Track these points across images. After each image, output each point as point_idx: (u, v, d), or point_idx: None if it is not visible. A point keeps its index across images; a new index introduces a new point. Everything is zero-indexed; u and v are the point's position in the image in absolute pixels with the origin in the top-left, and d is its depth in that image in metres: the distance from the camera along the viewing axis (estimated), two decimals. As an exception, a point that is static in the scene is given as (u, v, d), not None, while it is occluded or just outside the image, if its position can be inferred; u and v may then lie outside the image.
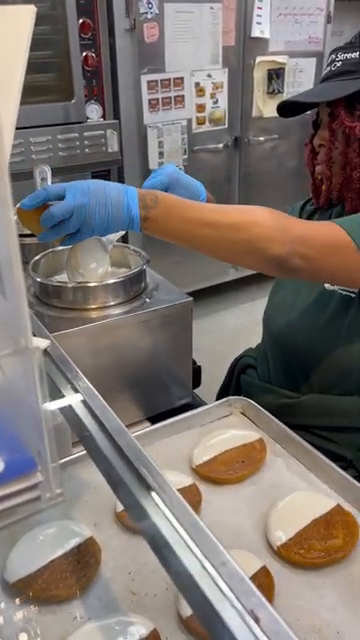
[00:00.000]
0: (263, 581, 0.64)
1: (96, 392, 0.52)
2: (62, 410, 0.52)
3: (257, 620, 0.29)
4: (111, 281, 0.95)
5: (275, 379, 1.07)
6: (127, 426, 0.47)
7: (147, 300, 0.98)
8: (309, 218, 1.08)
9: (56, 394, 0.54)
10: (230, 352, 1.27)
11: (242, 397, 0.96)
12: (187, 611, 0.60)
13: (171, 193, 0.86)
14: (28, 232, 1.12)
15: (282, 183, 3.03)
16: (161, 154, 2.57)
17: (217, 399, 1.03)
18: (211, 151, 2.75)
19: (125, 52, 2.30)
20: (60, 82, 2.14)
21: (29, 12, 0.41)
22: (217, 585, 0.30)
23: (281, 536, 0.69)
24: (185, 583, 0.32)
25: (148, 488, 0.40)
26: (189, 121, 2.61)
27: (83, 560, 0.67)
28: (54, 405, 0.52)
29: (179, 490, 0.40)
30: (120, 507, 0.74)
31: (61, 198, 0.76)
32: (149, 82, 2.41)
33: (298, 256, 0.76)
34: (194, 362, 1.09)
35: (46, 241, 0.82)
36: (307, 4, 2.75)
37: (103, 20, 2.19)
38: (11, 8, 0.39)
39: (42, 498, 0.35)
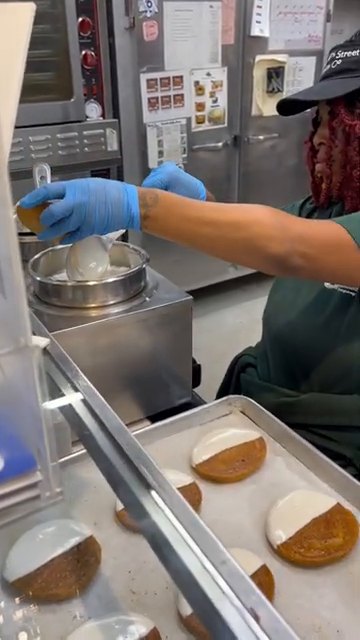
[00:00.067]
0: (263, 580, 0.64)
1: (96, 391, 0.52)
2: (62, 409, 0.52)
3: (257, 618, 0.28)
4: (111, 280, 0.95)
5: (275, 378, 1.07)
6: (127, 425, 0.47)
7: (147, 299, 0.98)
8: (309, 216, 1.08)
9: (56, 393, 0.54)
10: (230, 351, 1.27)
11: (242, 396, 0.96)
12: (187, 610, 0.60)
13: (171, 192, 0.86)
14: (28, 231, 1.12)
15: (282, 182, 3.03)
16: (160, 153, 2.57)
17: (217, 398, 1.03)
18: (210, 150, 2.75)
19: (124, 51, 2.30)
20: (59, 81, 2.14)
21: (28, 10, 0.41)
22: (217, 583, 0.30)
23: (281, 535, 0.69)
24: (185, 581, 0.32)
25: (148, 487, 0.40)
26: (188, 120, 2.61)
27: (83, 559, 0.67)
28: (54, 404, 0.52)
29: (179, 489, 0.40)
30: (120, 506, 0.74)
31: (61, 196, 0.76)
32: (148, 81, 2.41)
33: (298, 255, 0.76)
34: (194, 361, 1.09)
35: (46, 239, 0.82)
36: (307, 3, 2.75)
37: (102, 19, 2.19)
38: (10, 5, 0.39)
39: (42, 497, 0.35)
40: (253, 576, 0.64)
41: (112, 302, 0.95)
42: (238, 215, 0.77)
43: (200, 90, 2.60)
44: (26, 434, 0.34)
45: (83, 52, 2.17)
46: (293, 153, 2.99)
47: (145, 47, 2.35)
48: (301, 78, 2.88)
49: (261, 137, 2.88)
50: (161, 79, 2.45)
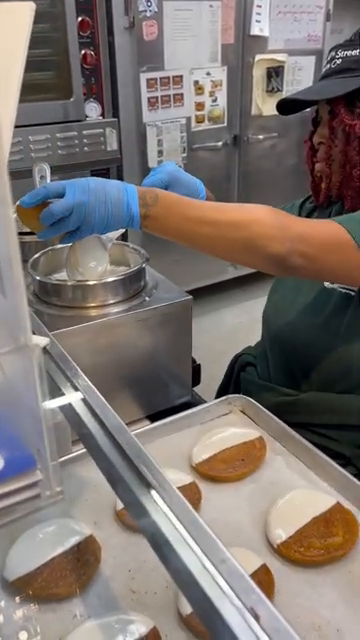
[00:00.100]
0: (263, 579, 0.64)
1: (96, 390, 0.52)
2: (62, 408, 0.52)
3: (257, 617, 0.29)
4: (110, 279, 0.95)
5: (275, 377, 1.07)
6: (127, 424, 0.47)
7: (146, 298, 0.98)
8: (308, 216, 1.08)
9: (56, 392, 0.54)
10: (229, 350, 1.27)
11: (242, 395, 0.96)
12: (187, 609, 0.60)
13: (171, 191, 0.86)
14: (28, 230, 1.12)
15: (281, 181, 3.03)
16: (160, 152, 2.57)
17: (216, 397, 1.03)
18: (210, 149, 2.74)
19: (124, 50, 2.29)
20: (59, 80, 2.14)
21: (28, 9, 0.41)
22: (217, 583, 0.30)
23: (281, 534, 0.69)
24: (185, 581, 0.32)
25: (148, 486, 0.40)
26: (188, 119, 2.61)
27: (83, 558, 0.67)
28: (54, 403, 0.52)
29: (179, 488, 0.40)
30: (120, 505, 0.74)
31: (61, 196, 0.76)
32: (148, 80, 2.41)
33: (298, 254, 0.76)
34: (194, 360, 1.09)
35: (45, 239, 0.82)
36: (306, 2, 2.75)
37: (102, 18, 2.19)
38: (10, 5, 0.39)
39: (42, 496, 0.35)
40: (253, 575, 0.64)
41: (112, 302, 0.95)
42: (238, 215, 0.77)
43: (200, 89, 2.59)
44: (26, 433, 0.34)
45: (83, 51, 2.16)
46: (293, 152, 2.99)
47: (145, 46, 2.35)
48: (300, 77, 2.88)
49: (261, 136, 2.88)
50: (161, 78, 2.45)
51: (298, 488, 0.77)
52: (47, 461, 0.34)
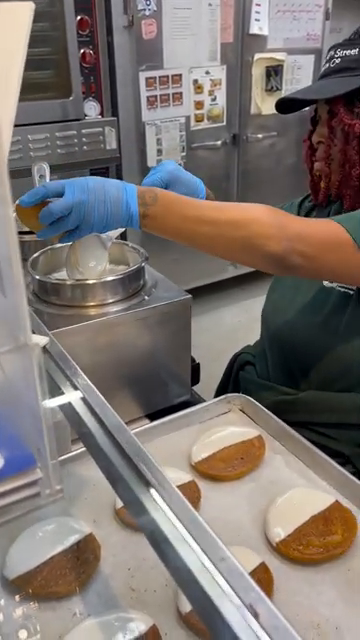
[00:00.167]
0: (262, 577, 0.64)
1: (95, 389, 0.52)
2: (61, 407, 0.52)
3: (256, 615, 0.29)
4: (110, 278, 0.95)
5: (274, 376, 1.08)
6: (126, 423, 0.47)
7: (146, 297, 0.98)
8: (307, 215, 1.08)
9: (55, 391, 0.54)
10: (229, 349, 1.28)
11: (241, 394, 0.96)
12: (186, 607, 0.60)
13: (171, 190, 0.86)
14: (27, 229, 1.12)
15: (281, 180, 3.03)
16: (159, 151, 2.57)
17: (215, 396, 1.03)
18: (209, 148, 2.74)
19: (123, 49, 2.29)
20: (58, 79, 2.13)
21: (27, 9, 0.41)
22: (216, 581, 0.31)
23: (280, 532, 0.69)
24: (184, 579, 0.32)
25: (147, 485, 0.40)
26: (187, 118, 2.60)
27: (82, 557, 0.67)
28: (53, 402, 0.52)
29: (178, 487, 0.40)
30: (119, 504, 0.74)
31: (60, 195, 0.76)
32: (147, 79, 2.41)
33: (296, 254, 0.76)
34: (193, 359, 1.09)
35: (45, 238, 0.82)
36: (305, 1, 2.75)
37: (101, 17, 2.19)
38: (9, 5, 0.39)
39: (42, 494, 0.35)
40: (252, 573, 0.64)
41: (111, 301, 0.95)
42: (237, 214, 0.77)
43: (199, 88, 2.59)
44: (26, 432, 0.34)
45: (82, 50, 2.16)
46: (292, 151, 2.99)
47: (144, 45, 2.35)
48: (300, 76, 2.88)
49: (260, 135, 2.88)
50: (160, 77, 2.45)
51: (297, 487, 0.78)
52: (47, 460, 0.34)
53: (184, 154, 2.65)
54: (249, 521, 0.74)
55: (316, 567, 0.67)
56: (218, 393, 1.24)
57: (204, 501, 0.76)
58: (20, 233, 1.17)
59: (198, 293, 2.54)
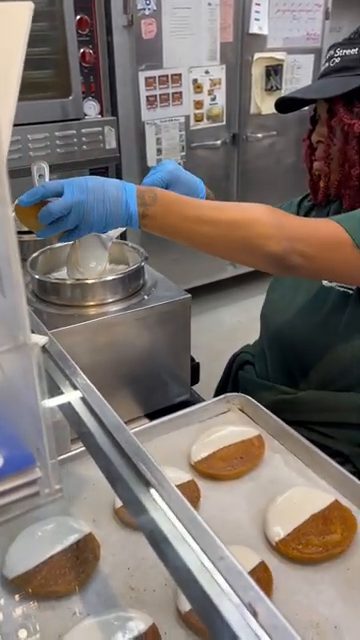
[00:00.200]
0: (261, 576, 0.64)
1: (94, 389, 0.52)
2: (61, 407, 0.52)
3: (255, 614, 0.29)
4: (109, 278, 0.95)
5: (273, 376, 1.08)
6: (125, 423, 0.47)
7: (145, 297, 0.98)
8: (306, 214, 1.08)
9: (55, 391, 0.54)
10: (228, 349, 1.28)
11: (240, 394, 0.96)
12: (186, 606, 0.60)
13: (171, 190, 0.86)
14: (27, 229, 1.12)
15: (280, 180, 3.03)
16: (159, 151, 2.57)
17: (215, 396, 1.03)
18: (209, 148, 2.74)
19: (123, 48, 2.29)
20: (57, 79, 2.13)
21: (26, 9, 0.41)
22: (215, 580, 0.31)
23: (279, 531, 0.69)
24: (183, 578, 0.32)
25: (147, 484, 0.40)
26: (187, 118, 2.60)
27: (82, 556, 0.67)
28: (53, 402, 0.52)
29: (177, 486, 0.40)
30: (119, 503, 0.74)
31: (59, 195, 0.76)
32: (147, 79, 2.41)
33: (296, 254, 0.76)
34: (192, 359, 1.09)
35: (44, 237, 0.82)
36: (305, 0, 2.75)
37: (100, 16, 2.19)
38: (8, 4, 0.39)
39: (41, 494, 0.35)
40: (251, 573, 0.64)
41: (111, 300, 0.95)
42: (236, 214, 0.77)
43: (198, 88, 2.59)
44: (25, 431, 0.35)
45: (81, 50, 2.16)
46: (291, 151, 2.99)
47: (143, 45, 2.34)
48: (299, 76, 2.88)
49: (259, 135, 2.88)
50: (159, 77, 2.44)
51: (296, 486, 0.78)
52: (46, 459, 0.34)
53: (184, 154, 2.65)
54: (248, 520, 0.74)
55: (315, 566, 0.67)
56: (217, 393, 1.24)
57: (203, 500, 0.77)
58: (19, 233, 1.17)
59: (198, 293, 2.54)
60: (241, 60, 2.68)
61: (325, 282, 0.97)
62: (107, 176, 2.16)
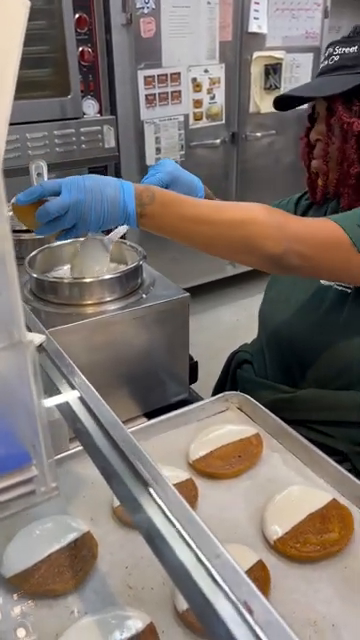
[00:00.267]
0: (259, 575, 0.64)
1: (92, 388, 0.52)
2: (58, 406, 0.52)
3: (250, 611, 0.29)
4: (107, 277, 0.95)
5: (271, 374, 1.08)
6: (124, 422, 0.47)
7: (143, 296, 0.98)
8: (304, 213, 1.08)
9: (52, 389, 0.54)
10: (227, 347, 1.28)
11: (238, 392, 0.96)
12: (183, 605, 0.60)
13: (171, 190, 0.86)
14: (25, 228, 1.13)
15: (279, 179, 3.03)
16: (158, 150, 2.57)
17: (213, 394, 1.03)
18: (208, 147, 2.74)
19: (122, 47, 2.29)
20: (56, 77, 2.13)
21: (23, 6, 0.41)
22: (210, 577, 0.31)
23: (277, 530, 0.69)
24: (179, 575, 0.32)
25: (143, 482, 0.40)
26: (186, 117, 2.60)
27: (80, 554, 0.67)
28: (51, 401, 0.52)
29: (175, 485, 0.40)
30: (117, 502, 0.74)
31: (57, 194, 0.76)
32: (146, 77, 2.41)
33: (294, 254, 0.76)
34: (191, 358, 1.09)
35: (42, 235, 0.83)
36: (304, -1, 2.75)
37: (99, 15, 2.18)
38: (4, 2, 0.39)
39: (37, 492, 0.35)
40: (249, 571, 0.64)
41: (109, 299, 0.95)
42: (235, 214, 0.77)
43: (198, 87, 2.59)
44: (21, 429, 0.34)
45: (80, 48, 2.16)
46: (290, 150, 2.99)
47: (142, 44, 2.34)
48: (298, 75, 2.88)
49: (259, 134, 2.88)
50: (158, 76, 2.44)
51: (295, 485, 0.78)
52: (42, 457, 0.34)
53: (183, 152, 2.65)
54: (246, 519, 0.74)
55: (313, 565, 0.67)
56: (215, 391, 1.24)
57: (201, 499, 0.77)
58: (18, 231, 1.17)
59: (197, 292, 2.54)
60: (240, 59, 2.68)
61: (323, 281, 0.97)
62: (106, 175, 2.15)
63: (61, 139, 2.19)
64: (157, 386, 1.03)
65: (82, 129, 2.24)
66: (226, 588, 0.30)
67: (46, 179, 1.18)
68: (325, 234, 0.79)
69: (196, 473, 0.81)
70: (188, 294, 0.99)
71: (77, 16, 2.11)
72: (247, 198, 0.86)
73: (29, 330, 0.63)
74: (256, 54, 2.70)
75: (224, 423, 0.90)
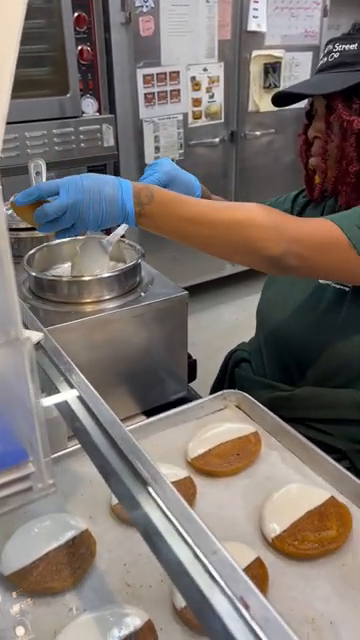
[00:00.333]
0: (257, 572, 0.65)
1: (90, 385, 0.52)
2: (56, 404, 0.52)
3: (247, 607, 0.29)
4: (106, 275, 0.95)
5: (269, 373, 1.08)
6: (122, 420, 0.47)
7: (142, 294, 0.98)
8: (301, 210, 1.08)
9: (51, 388, 0.54)
10: (226, 346, 1.28)
11: (237, 390, 0.96)
12: (182, 602, 0.60)
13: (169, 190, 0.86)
14: (24, 226, 1.14)
15: (278, 177, 3.03)
16: (157, 149, 2.57)
17: (211, 393, 1.03)
18: (207, 146, 2.74)
19: (120, 46, 2.29)
20: (55, 76, 2.13)
21: (20, 3, 0.41)
22: (207, 573, 0.31)
23: (275, 528, 0.69)
24: (176, 571, 0.32)
25: (141, 480, 0.40)
26: (185, 115, 2.60)
27: (78, 552, 0.67)
28: (49, 400, 0.52)
29: (174, 483, 0.40)
30: (115, 500, 0.74)
31: (55, 194, 0.76)
32: (145, 76, 2.40)
33: (293, 255, 0.76)
34: (190, 356, 1.09)
35: (44, 233, 0.84)
36: (303, -3, 2.74)
37: (98, 14, 2.18)
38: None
39: (34, 489, 0.35)
40: (247, 569, 0.64)
41: (107, 297, 0.95)
42: (233, 214, 0.77)
43: (197, 85, 2.59)
44: (18, 426, 0.35)
45: (79, 47, 2.16)
46: (290, 149, 2.99)
47: (141, 42, 2.34)
48: (298, 73, 2.87)
49: (258, 133, 2.88)
50: (157, 74, 2.44)
51: (293, 482, 0.78)
52: (39, 454, 0.34)
53: (182, 151, 2.65)
54: (244, 517, 0.74)
55: (311, 562, 0.67)
56: (213, 390, 1.24)
57: (200, 497, 0.77)
58: (17, 230, 1.17)
59: (196, 291, 2.54)
60: (239, 57, 2.68)
61: (321, 279, 0.97)
62: (105, 174, 2.15)
63: (60, 138, 2.19)
64: (156, 384, 1.03)
65: (81, 128, 2.23)
66: (222, 584, 0.31)
67: (45, 178, 1.18)
68: (322, 234, 0.79)
69: (194, 471, 0.81)
70: (186, 292, 0.99)
71: (76, 15, 2.11)
72: (246, 197, 0.86)
73: (27, 328, 0.63)
74: (255, 53, 2.70)
75: (222, 421, 0.90)
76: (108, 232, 1.01)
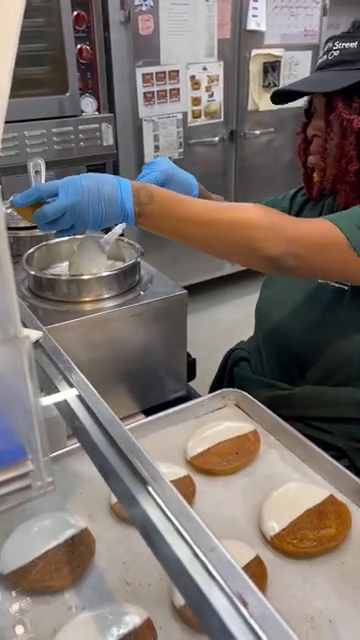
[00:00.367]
0: (256, 570, 0.65)
1: (89, 384, 0.52)
2: (56, 403, 0.52)
3: (245, 604, 0.29)
4: (105, 274, 0.95)
5: (269, 372, 1.08)
6: (121, 419, 0.47)
7: (141, 293, 0.98)
8: (300, 209, 1.08)
9: (50, 387, 0.54)
10: (225, 346, 1.28)
11: (236, 389, 0.96)
12: (181, 600, 0.60)
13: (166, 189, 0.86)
14: (23, 225, 1.14)
15: (278, 176, 3.02)
16: (156, 148, 2.57)
17: (210, 392, 1.03)
18: (207, 144, 2.74)
19: (120, 45, 2.29)
20: (54, 75, 2.13)
21: (18, 2, 0.41)
22: (205, 570, 0.31)
23: (274, 526, 0.70)
24: (174, 569, 0.32)
25: (141, 480, 0.40)
26: (184, 114, 2.60)
27: (77, 551, 0.67)
28: (48, 399, 0.52)
29: (173, 481, 0.40)
30: (115, 499, 0.74)
31: (54, 195, 0.76)
32: (144, 75, 2.40)
33: (291, 256, 0.76)
34: (189, 355, 1.09)
35: (45, 232, 0.84)
36: (303, -4, 2.74)
37: (97, 12, 2.18)
38: (0, -2, 0.39)
39: (32, 487, 0.35)
40: (246, 567, 0.64)
41: (106, 296, 0.95)
42: (232, 215, 0.77)
43: (196, 84, 2.59)
44: (17, 424, 0.35)
45: (78, 46, 2.16)
46: (289, 148, 2.99)
47: (141, 41, 2.34)
48: (297, 72, 2.87)
49: (257, 132, 2.88)
50: (157, 73, 2.44)
51: (292, 481, 0.78)
52: (38, 452, 0.34)
53: (181, 150, 2.65)
54: (244, 515, 0.74)
55: (310, 561, 0.67)
56: (212, 389, 1.24)
57: (199, 495, 0.77)
58: (16, 229, 1.17)
59: (196, 290, 2.54)
60: (239, 57, 2.67)
61: (319, 279, 0.97)
62: (104, 173, 2.15)
63: (59, 137, 2.19)
64: (155, 383, 1.03)
65: (80, 127, 2.23)
66: (221, 581, 0.31)
67: (44, 177, 1.18)
68: (321, 234, 0.79)
69: (194, 470, 0.81)
70: (185, 291, 0.99)
71: (75, 13, 2.11)
72: (246, 196, 0.86)
73: (26, 326, 0.63)
74: (255, 52, 2.70)
75: (222, 420, 0.90)
76: (108, 231, 1.01)
